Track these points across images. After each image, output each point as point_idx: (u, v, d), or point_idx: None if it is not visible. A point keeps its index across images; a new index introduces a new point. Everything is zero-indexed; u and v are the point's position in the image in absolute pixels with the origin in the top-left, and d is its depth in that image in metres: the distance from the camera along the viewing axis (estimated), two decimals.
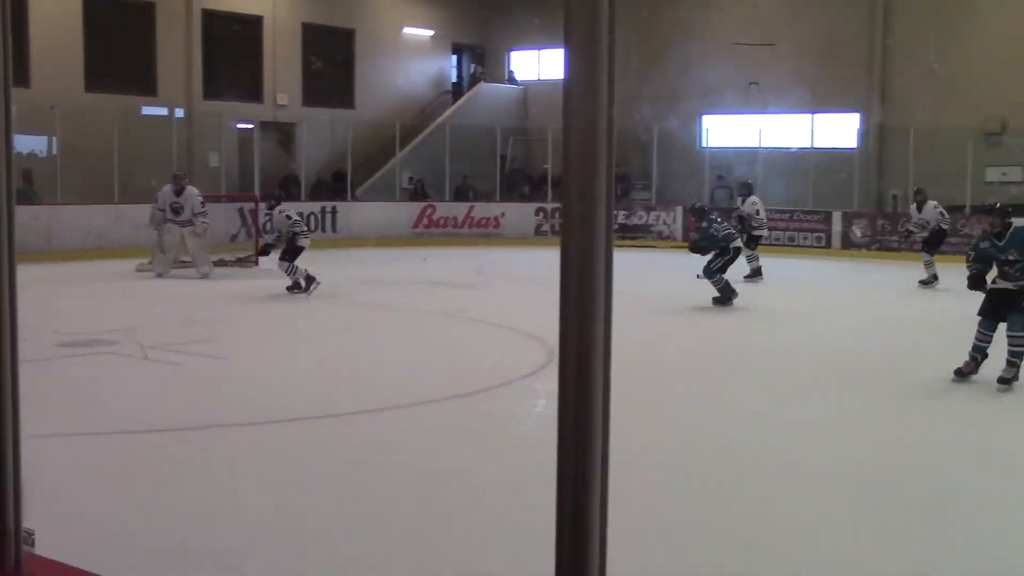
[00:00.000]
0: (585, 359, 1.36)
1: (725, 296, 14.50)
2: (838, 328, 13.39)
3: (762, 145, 26.26)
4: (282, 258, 14.97)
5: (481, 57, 32.46)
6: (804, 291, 17.75)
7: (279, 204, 15.45)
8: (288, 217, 15.15)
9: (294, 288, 14.94)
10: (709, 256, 14.41)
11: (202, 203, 17.39)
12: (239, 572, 5.03)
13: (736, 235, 15.13)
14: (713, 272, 14.43)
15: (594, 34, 1.35)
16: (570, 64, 1.35)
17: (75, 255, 18.80)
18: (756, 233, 18.19)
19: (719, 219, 15.07)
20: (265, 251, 15.98)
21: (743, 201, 18.73)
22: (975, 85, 24.16)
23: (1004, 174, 23.50)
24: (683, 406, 8.84)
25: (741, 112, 27.23)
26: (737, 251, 14.76)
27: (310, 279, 14.88)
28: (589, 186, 1.35)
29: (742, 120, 27.30)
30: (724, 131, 28.18)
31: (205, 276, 17.05)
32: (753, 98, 26.81)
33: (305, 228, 15.81)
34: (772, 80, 26.36)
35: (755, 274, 17.74)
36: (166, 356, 10.29)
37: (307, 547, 5.34)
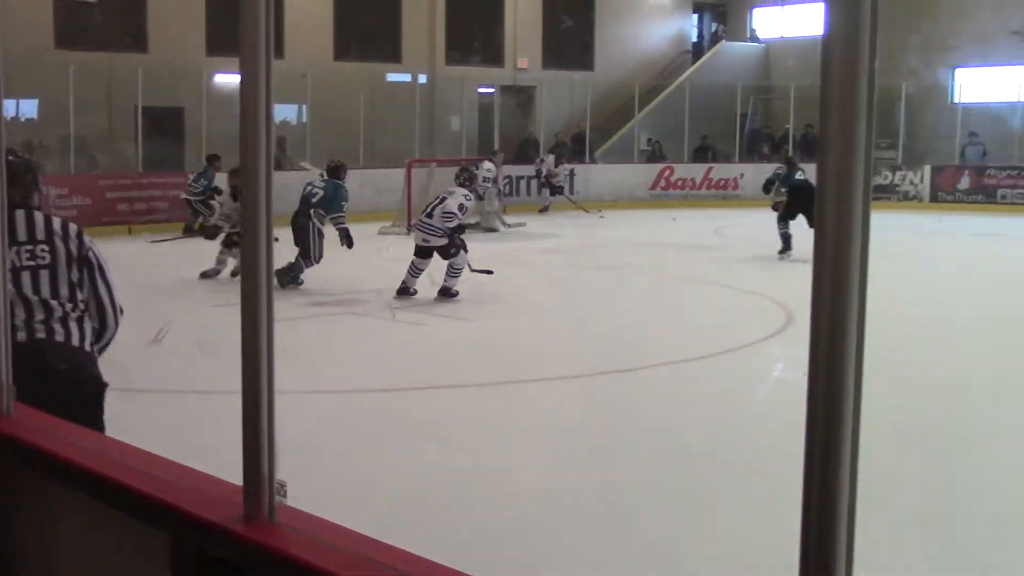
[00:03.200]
0: (839, 325, 1.30)
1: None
2: None
3: (1022, 99, 24.83)
4: (226, 244, 12.83)
5: (722, 15, 31.87)
6: None
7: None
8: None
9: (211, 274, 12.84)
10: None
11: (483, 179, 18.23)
12: (469, 527, 5.13)
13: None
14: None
15: None
16: (831, 17, 1.29)
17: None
18: None
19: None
20: (212, 233, 13.44)
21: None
22: None
23: None
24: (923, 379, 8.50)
25: (1000, 64, 25.74)
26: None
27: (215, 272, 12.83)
28: (847, 147, 1.29)
29: (1000, 73, 25.85)
30: (979, 85, 26.73)
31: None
32: (1014, 49, 25.25)
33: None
34: None
35: None
36: (412, 317, 10.58)
37: (535, 508, 5.41)
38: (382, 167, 21.07)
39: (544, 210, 22.68)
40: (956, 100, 26.92)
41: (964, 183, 24.76)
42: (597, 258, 15.29)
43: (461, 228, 11.82)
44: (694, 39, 31.50)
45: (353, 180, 20.84)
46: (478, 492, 5.60)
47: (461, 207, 11.82)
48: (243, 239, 2.14)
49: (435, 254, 11.63)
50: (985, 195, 24.34)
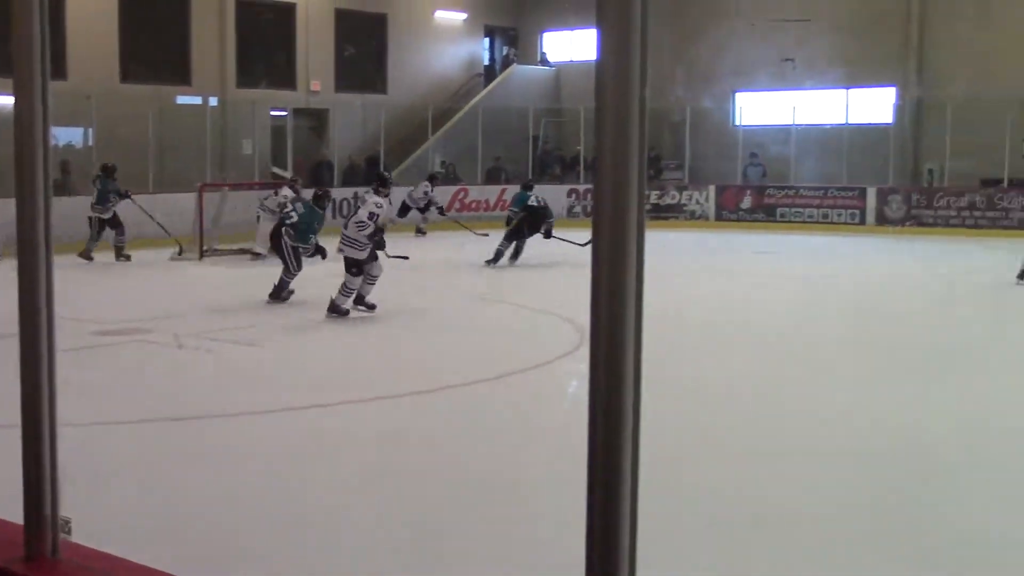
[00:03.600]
0: (616, 339, 1.34)
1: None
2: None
3: (796, 122, 26.11)
4: None
5: (513, 39, 32.35)
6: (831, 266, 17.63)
7: None
8: None
9: None
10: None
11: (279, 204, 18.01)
12: (259, 556, 5.06)
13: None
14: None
15: (627, 13, 1.33)
16: (603, 44, 1.34)
17: (111, 244, 18.91)
18: None
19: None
20: None
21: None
22: (1014, 57, 23.87)
23: None
24: (711, 383, 8.81)
25: (775, 89, 27.04)
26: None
27: None
28: (621, 167, 1.34)
29: (776, 97, 27.15)
30: (758, 109, 27.98)
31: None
32: (788, 75, 26.59)
33: None
34: (807, 56, 26.13)
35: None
36: (200, 344, 10.35)
37: (324, 535, 5.37)
38: (172, 191, 20.55)
39: (422, 232, 23.05)
40: (737, 123, 28.07)
41: (746, 202, 25.82)
42: (388, 279, 15.26)
43: (379, 232, 11.90)
44: (486, 62, 31.87)
45: (143, 205, 20.53)
46: (266, 519, 5.52)
47: (371, 215, 11.84)
48: (20, 264, 2.06)
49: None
50: (766, 213, 25.43)
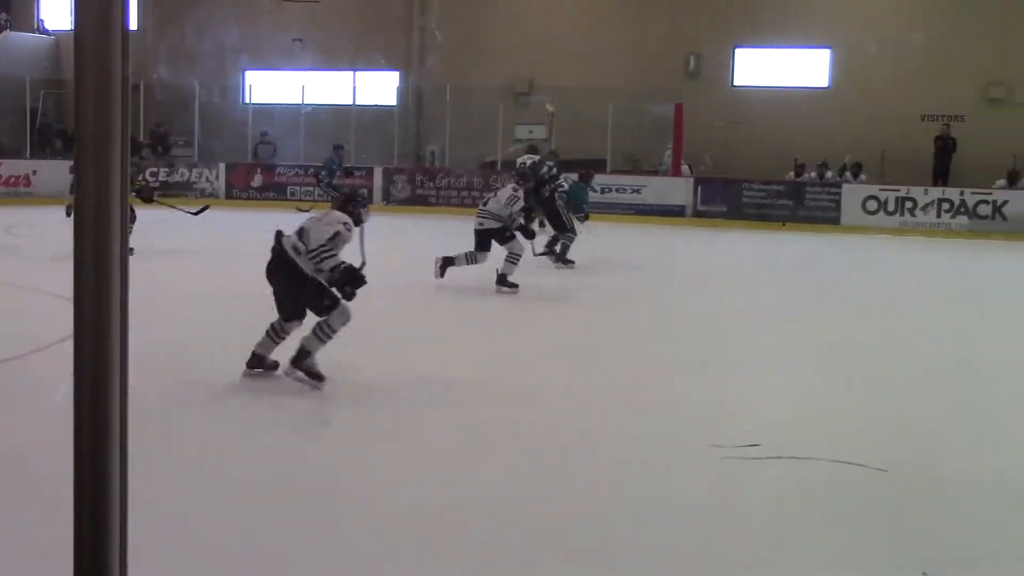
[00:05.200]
0: (103, 321, 1.31)
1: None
2: None
3: (305, 102, 26.39)
4: None
5: (6, 3, 30.23)
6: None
7: None
8: None
9: None
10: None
11: None
12: None
13: None
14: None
15: None
16: (80, 14, 1.29)
17: None
18: None
19: None
20: None
21: None
22: (507, 48, 25.60)
23: (531, 132, 25.02)
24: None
25: (285, 69, 27.18)
26: None
27: None
28: (103, 145, 1.30)
29: (286, 76, 27.28)
30: (268, 88, 28.00)
31: None
32: (297, 55, 26.82)
33: None
34: (316, 38, 26.50)
35: None
36: None
37: None
38: None
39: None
40: (247, 101, 27.92)
41: (257, 181, 25.76)
42: None
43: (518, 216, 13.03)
44: None
45: None
46: None
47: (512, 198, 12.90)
48: None
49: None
50: (277, 192, 25.51)
